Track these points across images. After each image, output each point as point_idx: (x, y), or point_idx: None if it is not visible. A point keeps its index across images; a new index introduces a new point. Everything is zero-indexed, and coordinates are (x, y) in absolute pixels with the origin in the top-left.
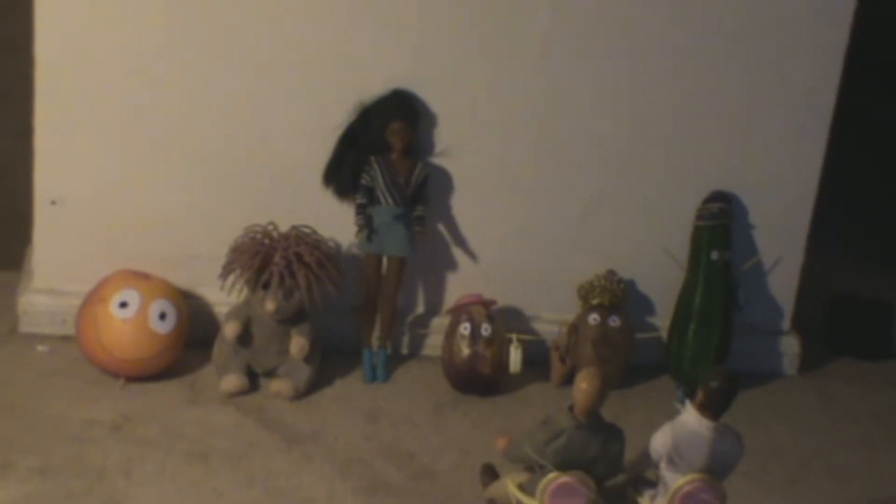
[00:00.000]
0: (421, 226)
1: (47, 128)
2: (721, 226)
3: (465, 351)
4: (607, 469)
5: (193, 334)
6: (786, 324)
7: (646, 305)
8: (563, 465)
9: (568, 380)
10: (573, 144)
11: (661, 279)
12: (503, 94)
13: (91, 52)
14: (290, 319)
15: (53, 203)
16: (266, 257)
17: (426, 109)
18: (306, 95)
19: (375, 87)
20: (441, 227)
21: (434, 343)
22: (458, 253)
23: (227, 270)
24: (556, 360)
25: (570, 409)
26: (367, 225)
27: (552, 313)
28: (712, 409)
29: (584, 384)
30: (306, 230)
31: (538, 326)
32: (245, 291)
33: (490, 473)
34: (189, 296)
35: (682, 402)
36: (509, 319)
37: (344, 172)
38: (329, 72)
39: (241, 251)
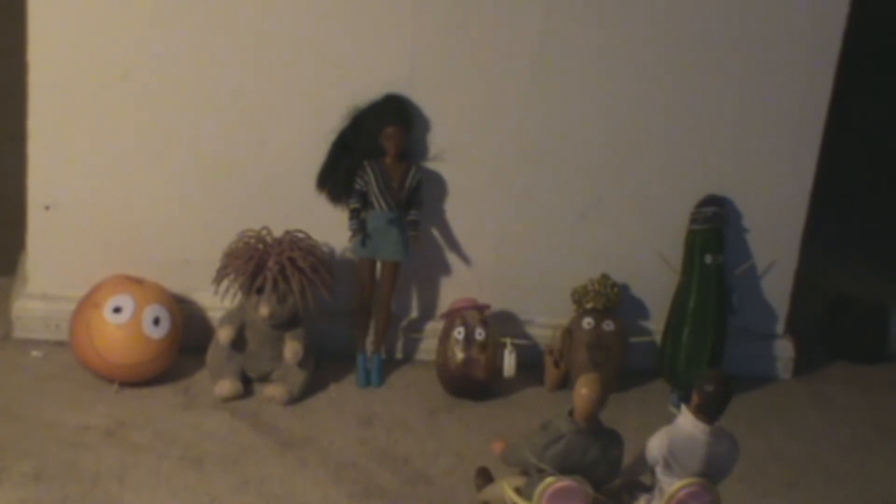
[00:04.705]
0: (415, 230)
1: (41, 132)
2: (715, 229)
3: (460, 355)
4: (606, 474)
5: (187, 339)
6: (780, 327)
7: (640, 309)
8: (562, 470)
9: (562, 384)
10: (567, 149)
11: (656, 283)
12: (497, 98)
13: (85, 57)
14: (284, 324)
15: (47, 208)
16: (260, 262)
17: (419, 114)
18: (301, 100)
19: (370, 91)
20: (435, 232)
21: (428, 347)
22: (451, 257)
23: (220, 275)
24: (550, 364)
25: (570, 413)
26: (360, 229)
27: (546, 317)
28: (708, 412)
29: (584, 389)
30: (300, 235)
31: (532, 331)
32: (239, 296)
33: (485, 476)
34: (183, 301)
35: (677, 406)
36: (503, 324)
37: (337, 177)
38: (324, 76)
39: (235, 256)
